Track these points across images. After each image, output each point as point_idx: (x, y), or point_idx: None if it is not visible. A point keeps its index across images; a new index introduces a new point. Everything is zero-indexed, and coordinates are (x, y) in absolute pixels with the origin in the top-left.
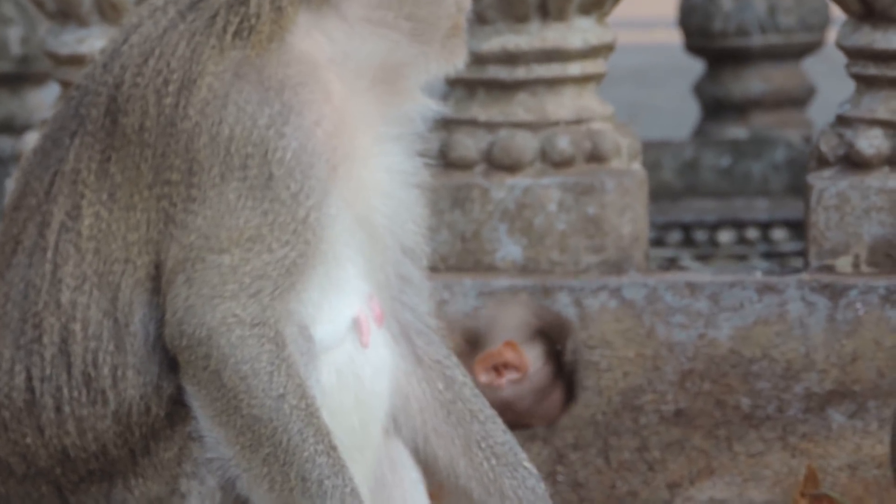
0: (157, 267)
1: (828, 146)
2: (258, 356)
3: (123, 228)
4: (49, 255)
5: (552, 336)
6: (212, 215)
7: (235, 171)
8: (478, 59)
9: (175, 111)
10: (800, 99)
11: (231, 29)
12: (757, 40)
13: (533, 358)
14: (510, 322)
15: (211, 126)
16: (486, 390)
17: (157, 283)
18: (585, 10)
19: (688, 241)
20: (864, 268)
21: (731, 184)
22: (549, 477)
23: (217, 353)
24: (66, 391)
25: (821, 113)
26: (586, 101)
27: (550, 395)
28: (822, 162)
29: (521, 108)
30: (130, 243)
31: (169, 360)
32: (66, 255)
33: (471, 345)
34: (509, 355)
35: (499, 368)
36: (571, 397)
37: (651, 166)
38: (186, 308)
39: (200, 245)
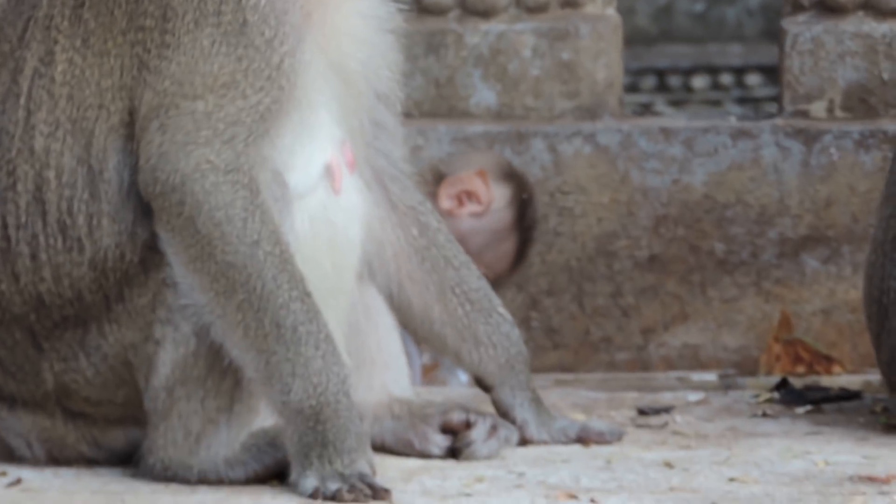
0: (131, 113)
1: None
2: (232, 202)
3: (97, 74)
4: (22, 101)
5: (521, 184)
6: (186, 61)
7: (209, 17)
8: None
9: None
10: None
11: None
12: None
13: (499, 196)
14: (483, 160)
15: None
16: (444, 220)
17: (131, 130)
18: None
19: (662, 87)
20: (839, 113)
21: (705, 29)
22: (524, 323)
23: (191, 200)
24: (41, 239)
25: None
26: None
27: (503, 243)
28: (797, 6)
29: None
30: (104, 89)
31: (143, 207)
32: (39, 102)
33: (439, 180)
34: (477, 183)
35: (462, 198)
36: (520, 260)
37: (625, 11)
38: (160, 154)
39: (174, 91)
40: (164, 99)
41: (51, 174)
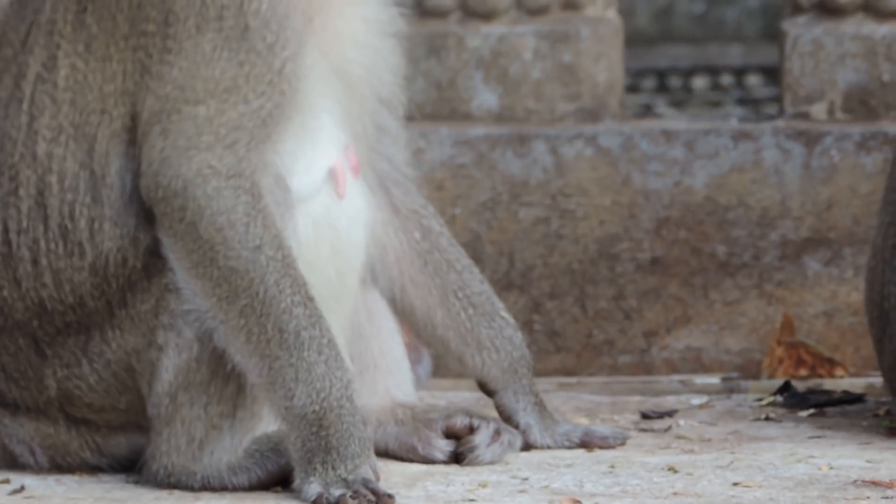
0: (134, 118)
1: None
2: (234, 207)
3: (100, 79)
4: (25, 106)
5: None
6: (188, 66)
7: (211, 22)
8: None
9: None
10: None
11: None
12: None
13: None
14: None
15: None
16: None
17: (134, 135)
18: None
19: (662, 88)
20: (839, 114)
21: (705, 29)
22: (526, 326)
23: (193, 205)
24: (42, 243)
25: None
26: None
27: None
28: (797, 8)
29: None
30: (107, 94)
31: (146, 212)
32: (42, 107)
33: None
34: None
35: None
36: None
37: (626, 12)
38: (162, 159)
39: (176, 96)
40: (166, 104)
41: (53, 179)
